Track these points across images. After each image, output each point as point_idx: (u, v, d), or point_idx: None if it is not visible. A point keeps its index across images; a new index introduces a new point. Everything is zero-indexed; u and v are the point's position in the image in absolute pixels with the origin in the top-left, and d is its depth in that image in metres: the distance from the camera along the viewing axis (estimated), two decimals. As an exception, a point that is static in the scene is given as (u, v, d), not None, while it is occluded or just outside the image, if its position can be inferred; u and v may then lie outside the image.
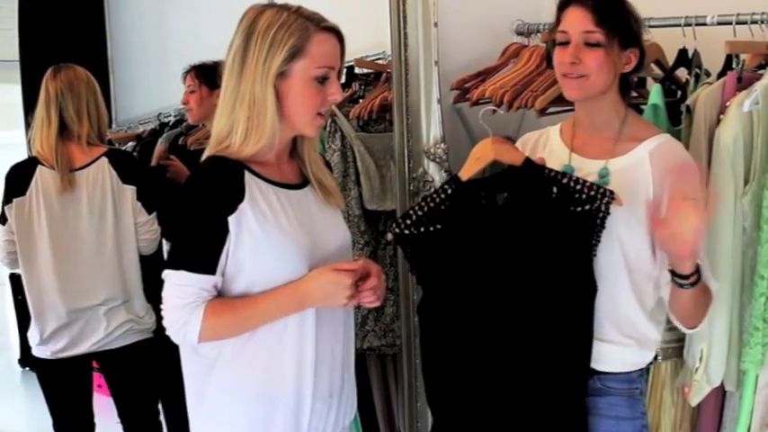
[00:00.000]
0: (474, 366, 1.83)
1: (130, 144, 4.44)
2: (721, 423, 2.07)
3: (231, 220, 1.61)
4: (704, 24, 2.10)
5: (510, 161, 1.81)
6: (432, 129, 2.49)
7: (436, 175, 2.47)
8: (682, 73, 2.21)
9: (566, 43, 1.78)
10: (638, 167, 1.79)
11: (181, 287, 1.61)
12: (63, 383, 2.89)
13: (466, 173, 1.83)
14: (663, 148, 1.79)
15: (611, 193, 1.73)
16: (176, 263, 1.63)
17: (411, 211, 1.82)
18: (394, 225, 1.83)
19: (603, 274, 1.82)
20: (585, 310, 1.79)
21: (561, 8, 1.81)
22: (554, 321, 1.78)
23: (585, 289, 1.78)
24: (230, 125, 1.66)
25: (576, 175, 1.82)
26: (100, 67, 5.85)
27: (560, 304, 1.77)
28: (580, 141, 1.89)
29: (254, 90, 1.63)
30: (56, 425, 2.96)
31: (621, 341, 1.83)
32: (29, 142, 2.90)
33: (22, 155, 4.60)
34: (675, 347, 2.09)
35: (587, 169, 1.84)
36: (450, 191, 1.81)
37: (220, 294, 1.66)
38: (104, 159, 2.84)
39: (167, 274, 1.64)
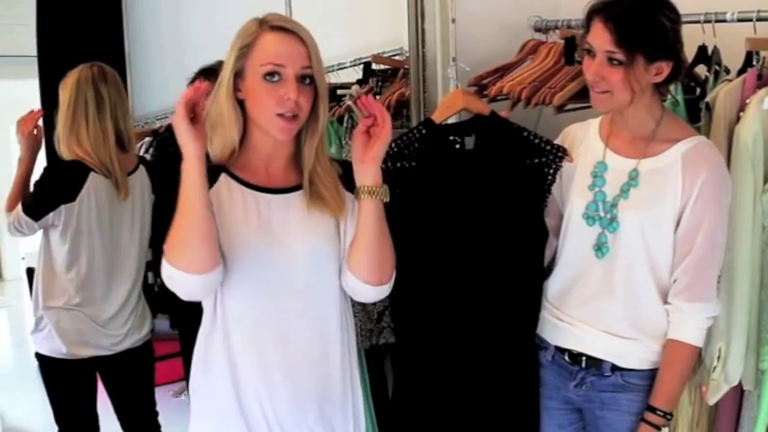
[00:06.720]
0: (438, 295, 1.96)
1: (147, 139, 4.46)
2: (739, 422, 2.06)
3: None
4: (724, 21, 2.09)
5: (478, 110, 1.98)
6: (449, 125, 2.49)
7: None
8: (701, 70, 2.20)
9: (592, 53, 1.78)
10: (668, 170, 1.79)
11: None
12: (70, 384, 2.87)
13: (438, 117, 1.98)
14: (696, 151, 1.79)
15: (565, 150, 1.93)
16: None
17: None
18: None
19: (627, 273, 1.82)
20: (537, 251, 1.96)
21: (588, 18, 1.79)
22: (510, 257, 1.94)
23: (538, 233, 1.95)
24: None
25: (609, 173, 1.83)
26: (117, 64, 5.85)
27: (516, 244, 1.94)
28: (615, 139, 1.90)
29: (220, 99, 1.66)
30: (60, 425, 2.89)
31: (643, 339, 1.84)
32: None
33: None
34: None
35: (619, 168, 1.85)
36: (424, 131, 1.95)
37: None
38: (142, 167, 2.77)
39: None
